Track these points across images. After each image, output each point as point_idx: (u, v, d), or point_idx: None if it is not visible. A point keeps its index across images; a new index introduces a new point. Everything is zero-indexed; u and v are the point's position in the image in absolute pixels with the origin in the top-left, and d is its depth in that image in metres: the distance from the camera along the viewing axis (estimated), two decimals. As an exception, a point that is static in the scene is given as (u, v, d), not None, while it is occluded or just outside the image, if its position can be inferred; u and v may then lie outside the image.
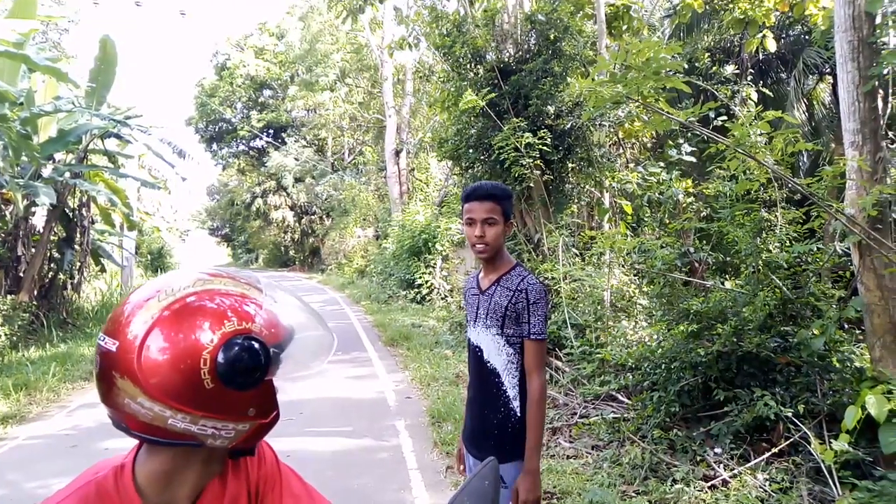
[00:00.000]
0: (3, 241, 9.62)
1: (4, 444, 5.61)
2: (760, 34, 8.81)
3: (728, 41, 10.64)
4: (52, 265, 11.04)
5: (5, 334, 8.65)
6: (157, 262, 27.75)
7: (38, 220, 10.73)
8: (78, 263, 11.69)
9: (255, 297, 0.95)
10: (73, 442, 5.53)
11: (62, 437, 5.70)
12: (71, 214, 11.38)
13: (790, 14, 9.14)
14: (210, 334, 0.87)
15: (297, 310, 1.00)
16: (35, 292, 10.27)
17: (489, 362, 2.23)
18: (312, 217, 35.91)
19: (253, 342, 0.89)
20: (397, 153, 20.99)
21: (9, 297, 9.29)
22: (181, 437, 0.89)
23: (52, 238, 10.71)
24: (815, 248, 4.58)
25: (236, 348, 0.88)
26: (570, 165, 9.13)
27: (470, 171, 10.13)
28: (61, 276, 11.31)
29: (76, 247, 11.47)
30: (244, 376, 0.89)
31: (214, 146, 41.66)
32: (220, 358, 0.87)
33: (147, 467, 0.97)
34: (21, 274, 9.94)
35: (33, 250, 10.19)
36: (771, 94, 9.80)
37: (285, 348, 0.94)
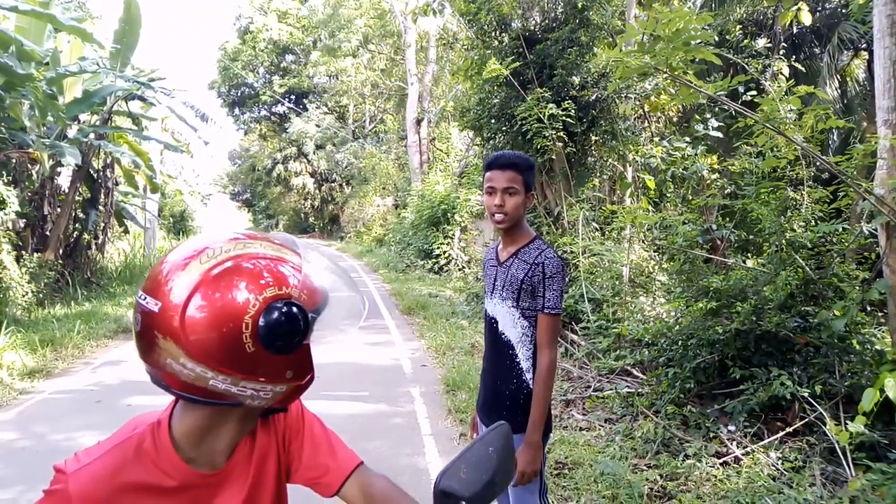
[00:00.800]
0: (30, 200, 9.78)
1: (31, 397, 5.78)
2: (795, 6, 8.52)
3: (761, 13, 10.32)
4: (76, 225, 11.22)
5: (32, 291, 8.85)
6: (179, 225, 28.09)
7: (64, 180, 10.88)
8: (102, 224, 11.87)
9: (294, 260, 0.95)
10: (98, 397, 5.68)
11: (87, 393, 5.86)
12: (95, 175, 11.52)
13: (828, -14, 8.83)
14: (252, 298, 0.88)
15: (331, 273, 1.01)
16: (60, 251, 10.47)
17: (504, 334, 2.23)
18: (332, 184, 35.99)
19: (293, 307, 0.90)
20: (418, 122, 20.85)
21: (35, 255, 9.48)
22: (221, 396, 0.91)
23: (76, 198, 10.87)
24: (841, 229, 4.50)
25: (277, 313, 0.88)
26: (593, 138, 9.01)
27: (491, 141, 10.04)
28: (86, 236, 11.50)
29: (100, 208, 11.63)
30: (284, 340, 0.90)
31: (236, 111, 41.72)
32: (262, 322, 0.88)
33: (184, 423, 1.00)
34: (47, 233, 10.12)
35: (59, 210, 10.35)
36: (803, 69, 9.52)
37: (322, 312, 0.96)
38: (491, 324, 2.29)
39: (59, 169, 10.34)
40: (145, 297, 0.89)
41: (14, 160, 9.48)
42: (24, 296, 8.60)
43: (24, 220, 9.67)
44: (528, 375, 2.19)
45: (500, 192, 2.15)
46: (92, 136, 10.46)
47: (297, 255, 0.97)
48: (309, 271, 0.95)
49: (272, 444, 1.12)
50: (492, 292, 2.29)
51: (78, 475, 0.93)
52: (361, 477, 1.15)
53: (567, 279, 3.25)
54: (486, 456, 1.05)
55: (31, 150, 9.29)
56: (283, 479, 1.14)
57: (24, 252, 9.34)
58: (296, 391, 0.99)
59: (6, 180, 8.83)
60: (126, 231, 14.39)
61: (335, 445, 1.18)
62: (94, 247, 11.96)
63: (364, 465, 1.18)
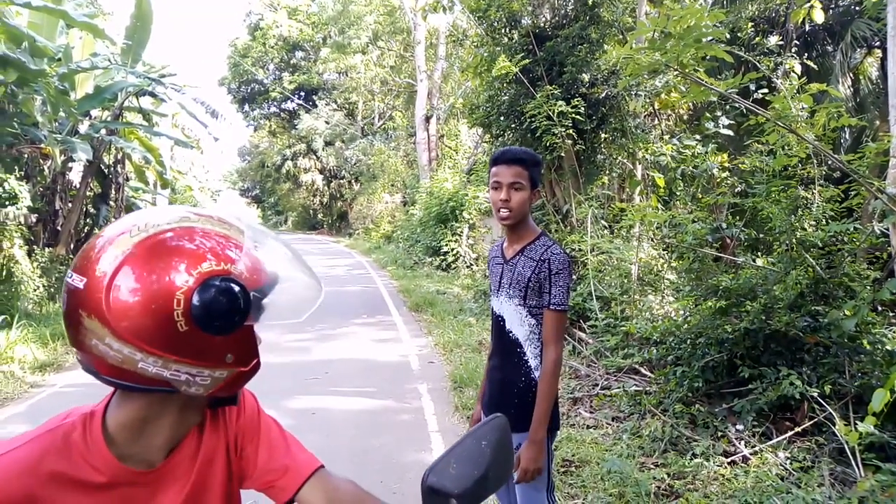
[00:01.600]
0: (42, 195, 9.86)
1: (43, 390, 5.84)
2: (808, 4, 8.45)
3: (773, 11, 10.24)
4: (87, 220, 11.30)
5: (43, 286, 8.92)
6: (188, 220, 28.27)
7: (75, 175, 10.95)
8: (113, 219, 11.93)
9: (238, 239, 0.89)
10: (108, 390, 5.72)
11: (97, 386, 5.84)
12: (106, 171, 11.59)
13: (841, -17, 8.76)
14: (185, 274, 0.81)
15: (282, 257, 0.95)
16: (71, 246, 10.54)
17: (511, 332, 2.22)
18: (341, 181, 36.03)
19: (232, 284, 0.83)
20: (427, 119, 20.84)
21: (46, 249, 9.56)
22: (153, 381, 0.84)
23: (88, 193, 10.94)
24: (853, 228, 4.46)
25: (213, 290, 0.82)
26: (602, 136, 8.97)
27: (500, 138, 10.02)
28: (97, 230, 11.55)
29: (111, 203, 11.71)
30: (221, 320, 0.83)
31: (246, 107, 41.84)
32: (196, 299, 0.81)
33: (118, 415, 0.92)
34: (58, 228, 10.20)
35: (70, 205, 10.42)
36: (815, 67, 9.43)
37: (268, 294, 0.89)
38: (498, 322, 2.27)
39: (70, 164, 10.41)
40: (72, 275, 0.83)
41: (26, 155, 9.55)
42: (35, 290, 8.68)
43: (36, 215, 9.75)
44: (537, 373, 2.18)
45: (506, 188, 2.14)
46: (103, 131, 10.52)
47: (242, 233, 0.91)
48: (253, 249, 0.89)
49: (220, 447, 1.03)
50: (498, 290, 2.27)
51: None
52: (323, 480, 1.06)
53: (574, 275, 3.22)
54: (478, 450, 1.00)
55: (43, 145, 9.36)
56: (235, 484, 1.06)
57: (35, 247, 9.42)
58: (239, 378, 0.90)
59: (18, 175, 8.90)
60: (136, 226, 14.47)
61: (293, 448, 1.09)
62: (104, 242, 12.04)
63: (325, 469, 1.08)
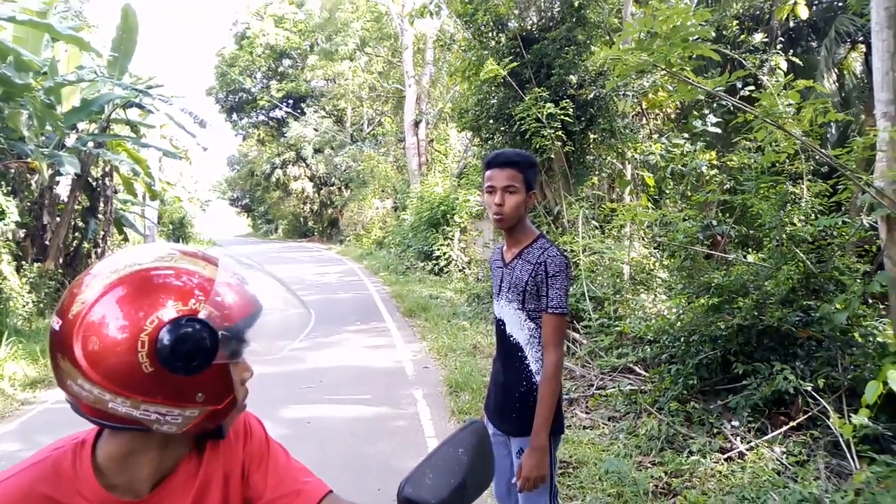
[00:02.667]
0: (29, 210, 9.78)
1: (33, 407, 5.78)
2: (792, 1, 8.53)
3: (757, 8, 10.32)
4: (76, 234, 11.23)
5: (32, 301, 8.85)
6: (178, 231, 28.10)
7: (63, 189, 10.88)
8: (102, 232, 11.86)
9: (210, 274, 0.88)
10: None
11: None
12: (94, 184, 11.52)
13: (823, -20, 8.84)
14: (150, 314, 0.82)
15: (265, 288, 0.95)
16: (60, 260, 10.46)
17: (512, 336, 2.21)
18: (331, 188, 35.96)
19: (197, 324, 0.83)
20: (416, 124, 20.85)
21: (35, 265, 9.48)
22: (125, 421, 0.85)
23: (76, 207, 10.87)
24: (842, 222, 4.50)
25: (178, 331, 0.82)
26: (591, 136, 9.01)
27: (490, 141, 10.04)
28: (86, 244, 11.51)
29: (100, 216, 11.63)
30: (186, 361, 0.83)
31: (234, 116, 41.73)
32: (161, 341, 0.81)
33: (106, 447, 0.93)
34: (47, 242, 10.12)
35: (58, 219, 10.35)
36: (801, 63, 9.50)
37: (244, 329, 0.88)
38: (499, 326, 2.26)
39: (57, 178, 10.34)
40: (53, 317, 0.85)
41: (13, 170, 9.48)
42: (24, 306, 8.60)
43: (24, 230, 9.68)
44: (538, 378, 2.15)
45: (500, 191, 2.12)
46: (90, 144, 10.46)
47: (215, 268, 0.90)
48: (228, 285, 0.88)
49: (218, 474, 1.03)
50: (498, 293, 2.26)
51: None
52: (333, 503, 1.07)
53: (571, 278, 3.19)
54: (454, 458, 0.98)
55: (29, 159, 9.29)
56: None
57: (23, 262, 9.34)
58: (212, 416, 0.90)
59: (5, 190, 8.83)
60: (126, 239, 14.37)
61: (302, 473, 1.11)
62: (94, 255, 11.95)
63: (334, 494, 1.08)
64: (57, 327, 0.83)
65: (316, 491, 1.07)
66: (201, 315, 0.84)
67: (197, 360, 0.84)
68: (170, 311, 0.83)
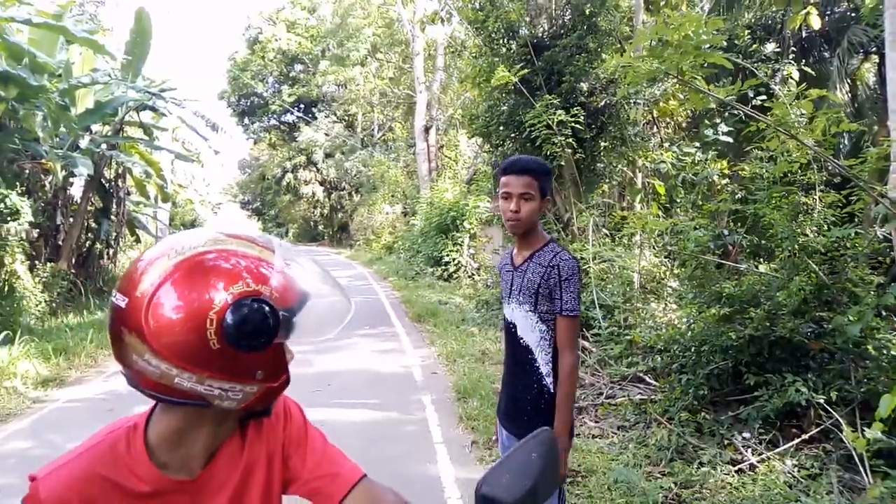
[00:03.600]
0: (43, 211, 9.88)
1: (45, 405, 5.82)
2: (804, 10, 8.50)
3: (770, 18, 10.30)
4: (89, 235, 11.33)
5: (45, 300, 8.93)
6: (189, 234, 28.30)
7: (76, 190, 10.99)
8: (114, 233, 11.97)
9: (269, 258, 0.92)
10: (110, 406, 5.70)
11: (99, 401, 5.89)
12: (107, 185, 11.63)
13: (837, -10, 8.81)
14: (218, 294, 0.86)
15: (312, 275, 0.98)
16: (73, 261, 10.56)
17: (522, 339, 2.22)
18: (342, 193, 36.10)
19: (262, 304, 0.87)
20: (427, 129, 20.90)
21: (48, 264, 9.57)
22: (188, 396, 0.88)
23: (89, 208, 10.98)
24: (854, 233, 4.45)
25: (244, 310, 0.86)
26: (602, 144, 9.00)
27: (500, 148, 10.05)
28: (98, 245, 11.61)
29: (112, 217, 11.73)
30: (251, 339, 0.87)
31: (246, 120, 42.02)
32: (228, 319, 0.85)
33: (158, 426, 0.97)
34: (60, 243, 10.22)
35: (71, 220, 10.45)
36: (813, 73, 9.45)
37: (297, 313, 0.92)
38: (510, 329, 2.28)
39: (71, 179, 10.45)
40: (116, 295, 0.88)
41: (27, 171, 9.59)
42: (37, 305, 8.68)
43: (38, 230, 9.78)
44: (549, 380, 2.18)
45: (516, 198, 2.14)
46: (104, 146, 10.56)
47: (272, 253, 0.94)
48: (284, 269, 0.92)
49: (262, 454, 1.08)
50: (509, 297, 2.28)
51: (47, 479, 0.92)
52: (368, 489, 1.10)
53: (582, 281, 3.17)
54: (528, 462, 1.02)
55: (44, 160, 9.40)
56: (276, 490, 1.11)
57: (37, 262, 9.43)
58: (269, 393, 0.95)
59: (20, 191, 8.92)
60: (138, 240, 14.48)
61: (338, 457, 1.15)
62: (106, 256, 12.06)
63: (368, 478, 1.13)
64: (122, 304, 0.87)
65: (352, 474, 1.11)
66: (264, 296, 0.88)
67: (260, 339, 0.88)
68: (235, 290, 0.86)
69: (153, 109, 11.83)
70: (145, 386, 0.89)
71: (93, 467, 0.94)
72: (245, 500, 1.05)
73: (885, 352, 4.13)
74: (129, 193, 12.56)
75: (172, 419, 0.96)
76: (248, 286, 0.87)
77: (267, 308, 0.87)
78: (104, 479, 0.93)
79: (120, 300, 0.87)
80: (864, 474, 3.37)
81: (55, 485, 0.91)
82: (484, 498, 0.96)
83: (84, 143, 10.56)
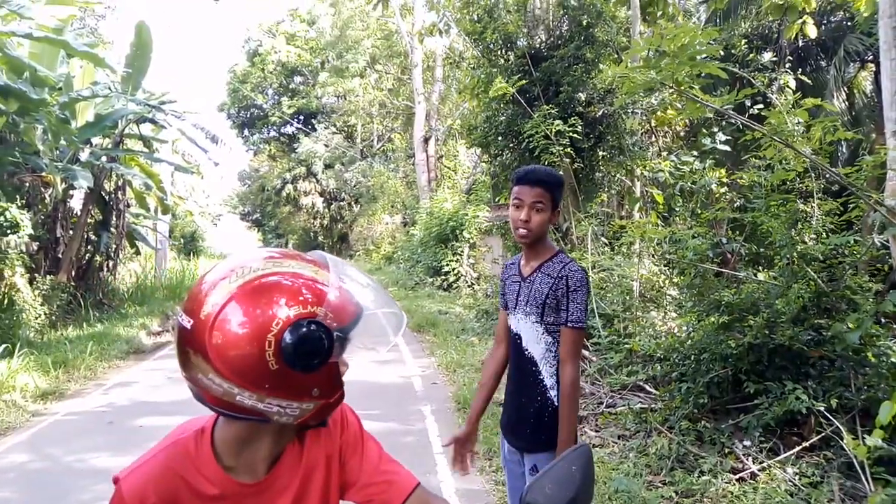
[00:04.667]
0: (43, 223, 9.89)
1: (44, 419, 5.80)
2: (800, 20, 8.56)
3: (766, 27, 10.37)
4: (89, 247, 11.33)
5: (45, 313, 8.92)
6: (189, 245, 28.29)
7: (76, 202, 11.01)
8: (114, 246, 11.97)
9: (323, 278, 0.95)
10: (110, 419, 5.69)
11: (99, 414, 5.87)
12: (107, 198, 11.65)
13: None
14: (276, 317, 0.89)
15: (365, 289, 1.01)
16: (73, 273, 10.56)
17: (527, 350, 2.21)
18: (341, 203, 36.10)
19: (316, 326, 0.90)
20: (426, 140, 20.97)
21: (48, 277, 9.56)
22: (249, 412, 0.93)
23: (89, 221, 10.99)
24: (853, 241, 4.46)
25: (300, 332, 0.89)
26: (600, 153, 9.03)
27: (499, 158, 10.09)
28: (98, 257, 11.60)
29: (112, 229, 11.74)
30: (307, 359, 0.91)
31: (246, 132, 42.06)
32: (285, 341, 0.88)
33: (223, 434, 1.03)
34: (59, 255, 10.22)
35: (71, 232, 10.46)
36: (810, 82, 9.50)
37: (351, 329, 0.95)
38: (515, 340, 2.26)
39: (71, 192, 10.47)
40: (182, 315, 0.92)
41: (28, 184, 9.61)
42: (37, 318, 8.67)
43: (38, 243, 9.78)
44: (553, 392, 2.16)
45: (527, 208, 2.13)
46: (104, 158, 10.59)
47: (327, 272, 0.97)
48: (337, 290, 0.95)
49: (321, 458, 1.13)
50: (515, 307, 2.26)
51: (128, 478, 0.99)
52: (423, 497, 1.15)
53: (590, 293, 3.15)
54: (569, 475, 1.07)
55: (44, 173, 9.42)
56: (335, 495, 1.15)
57: (37, 274, 9.43)
58: (325, 408, 0.99)
59: (20, 204, 8.94)
60: (137, 252, 14.50)
61: (394, 465, 1.19)
62: (105, 268, 12.06)
63: (423, 487, 1.17)
64: (188, 325, 0.91)
65: (407, 483, 1.16)
66: (319, 317, 0.91)
67: (316, 359, 0.92)
68: (291, 313, 0.90)
69: (153, 122, 11.87)
70: (210, 401, 0.94)
71: (168, 464, 1.01)
72: (306, 502, 1.10)
73: (884, 359, 4.13)
74: (128, 206, 12.58)
75: (235, 429, 1.02)
76: (305, 308, 0.90)
77: (322, 330, 0.91)
78: (178, 476, 1.00)
79: (186, 321, 0.91)
80: (865, 482, 3.36)
81: (135, 481, 0.98)
82: None
83: (84, 155, 10.59)
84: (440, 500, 1.18)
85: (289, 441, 1.09)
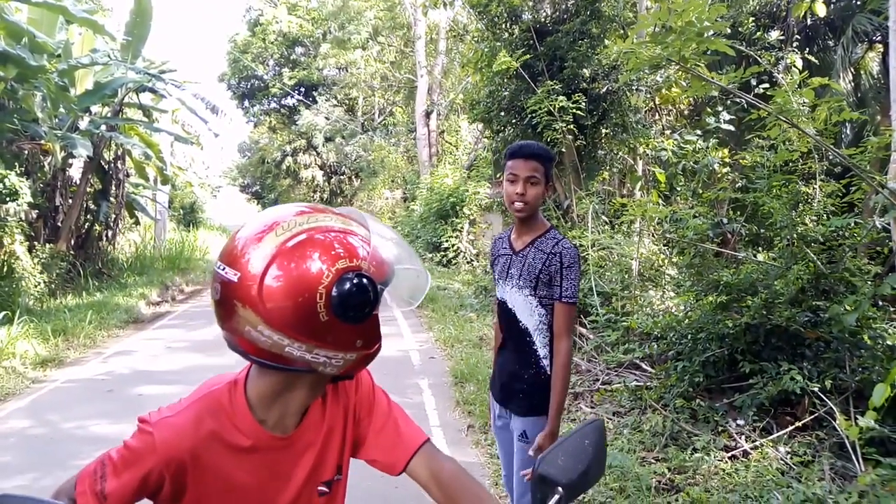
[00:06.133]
0: (42, 192, 9.85)
1: (44, 386, 5.85)
2: (810, -2, 8.43)
3: (774, 5, 10.21)
4: (88, 216, 11.30)
5: (44, 282, 8.93)
6: (189, 216, 28.18)
7: (75, 171, 10.95)
8: (113, 215, 11.95)
9: (362, 233, 0.99)
10: (109, 387, 5.73)
11: (98, 382, 5.91)
12: (106, 167, 11.59)
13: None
14: (325, 270, 0.91)
15: (398, 248, 1.04)
16: (72, 242, 10.55)
17: (521, 322, 2.29)
18: (341, 177, 35.98)
19: (363, 279, 0.93)
20: (428, 115, 20.80)
21: (47, 245, 9.56)
22: (295, 363, 0.95)
23: (88, 190, 10.94)
24: (854, 223, 4.46)
25: (348, 284, 0.92)
26: (603, 131, 8.97)
27: (501, 134, 10.02)
28: (97, 227, 11.59)
29: (111, 199, 11.70)
30: (355, 310, 0.93)
31: (246, 103, 41.68)
32: (335, 292, 0.91)
33: (257, 386, 1.05)
34: (59, 224, 10.20)
35: (70, 201, 10.42)
36: (816, 61, 9.40)
37: (388, 284, 0.98)
38: (509, 312, 2.34)
39: (70, 160, 10.41)
40: (224, 268, 0.94)
41: (27, 151, 9.54)
42: (36, 286, 8.69)
43: (37, 211, 9.75)
44: (546, 362, 2.26)
45: (523, 181, 2.20)
46: (103, 127, 10.51)
47: (364, 228, 1.00)
48: (377, 244, 0.98)
49: (340, 416, 1.15)
50: (506, 279, 2.34)
51: (161, 425, 1.00)
52: (428, 456, 1.16)
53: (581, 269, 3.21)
54: (582, 448, 1.09)
55: (43, 141, 9.35)
56: (348, 451, 1.18)
57: (36, 243, 9.42)
58: (365, 359, 1.02)
59: (19, 171, 8.88)
60: (137, 222, 14.45)
61: (401, 423, 1.20)
62: (105, 238, 12.05)
63: (430, 444, 1.19)
64: (235, 279, 0.92)
65: (415, 438, 1.18)
66: (363, 270, 0.94)
67: (364, 310, 0.95)
68: (340, 266, 0.92)
69: (153, 91, 11.76)
70: (254, 353, 0.95)
71: (201, 417, 1.02)
72: (326, 459, 1.13)
73: (880, 341, 4.15)
74: (128, 175, 12.51)
75: (270, 381, 1.04)
76: (351, 262, 0.93)
77: (367, 281, 0.94)
78: (210, 430, 1.02)
79: (231, 274, 0.93)
80: (855, 462, 3.40)
81: (169, 431, 0.99)
82: (541, 476, 1.05)
83: (83, 124, 10.50)
84: (447, 457, 1.19)
85: (320, 394, 1.11)
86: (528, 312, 2.27)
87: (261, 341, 0.92)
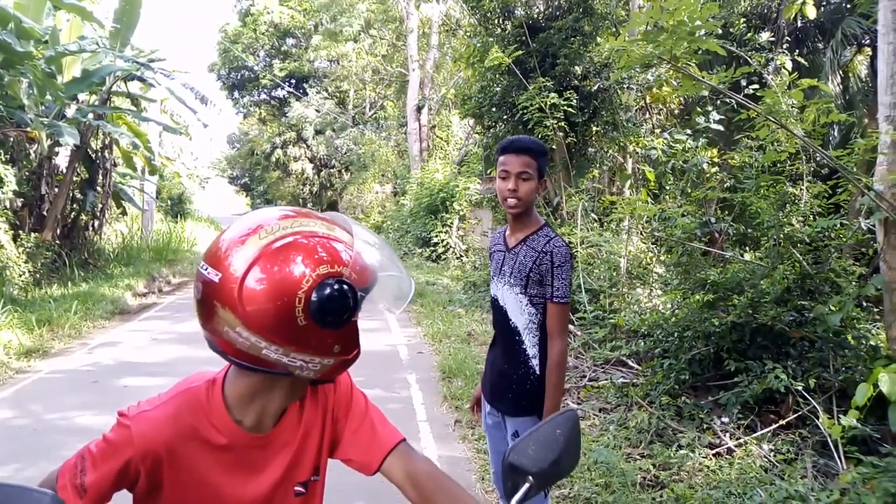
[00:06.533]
0: (28, 180, 9.73)
1: (28, 376, 5.79)
2: (800, 0, 8.49)
3: (765, 6, 10.27)
4: (74, 205, 11.18)
5: (29, 271, 8.83)
6: (176, 207, 27.95)
7: (62, 160, 10.81)
8: (100, 205, 11.83)
9: (345, 238, 0.99)
10: (94, 378, 5.69)
11: (83, 373, 5.86)
12: (94, 156, 11.46)
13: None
14: (306, 274, 0.92)
15: (381, 254, 1.03)
16: (58, 231, 10.43)
17: (512, 320, 2.25)
18: (331, 170, 35.85)
19: (344, 285, 0.93)
20: (419, 109, 20.75)
21: (32, 234, 9.45)
22: (272, 366, 0.95)
23: (74, 179, 10.82)
24: (839, 224, 4.50)
25: (328, 290, 0.92)
26: (594, 129, 8.99)
27: (492, 129, 10.02)
28: (83, 216, 11.47)
29: (98, 188, 11.58)
30: (334, 316, 0.94)
31: (236, 94, 41.38)
32: (314, 297, 0.91)
33: (235, 387, 1.06)
34: (44, 213, 10.08)
35: (56, 190, 10.30)
36: (806, 63, 9.46)
37: (369, 291, 0.99)
38: (500, 309, 2.30)
39: (57, 149, 10.28)
40: (207, 268, 0.94)
41: (12, 139, 9.41)
42: (20, 275, 8.59)
43: (22, 200, 9.64)
44: (535, 362, 2.22)
45: (515, 177, 2.13)
46: (91, 116, 10.38)
47: (348, 233, 1.00)
48: (360, 250, 0.98)
49: (318, 417, 1.16)
50: (499, 276, 2.30)
51: (139, 419, 1.01)
52: (403, 456, 1.16)
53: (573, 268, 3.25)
54: (553, 437, 1.10)
55: (29, 128, 9.23)
56: (326, 452, 1.18)
57: (21, 231, 9.31)
58: (342, 364, 1.02)
59: (4, 159, 8.77)
60: (124, 213, 14.32)
61: (377, 423, 1.21)
62: (91, 228, 11.93)
63: (406, 443, 1.19)
64: (216, 279, 0.93)
65: (391, 438, 1.18)
66: (344, 276, 0.94)
67: (342, 316, 0.95)
68: (321, 271, 0.93)
69: (141, 80, 11.63)
70: (232, 354, 0.96)
71: (179, 413, 1.03)
72: (303, 459, 1.14)
73: (863, 341, 4.21)
74: (115, 165, 12.39)
75: (249, 382, 1.04)
76: (332, 268, 0.94)
77: (347, 288, 0.94)
78: (188, 424, 1.03)
79: (213, 275, 0.93)
80: (837, 460, 3.44)
81: (147, 425, 1.00)
82: (511, 465, 1.05)
83: (70, 112, 10.37)
84: (422, 457, 1.20)
85: (299, 397, 1.12)
86: (518, 311, 2.22)
87: (239, 342, 0.93)
